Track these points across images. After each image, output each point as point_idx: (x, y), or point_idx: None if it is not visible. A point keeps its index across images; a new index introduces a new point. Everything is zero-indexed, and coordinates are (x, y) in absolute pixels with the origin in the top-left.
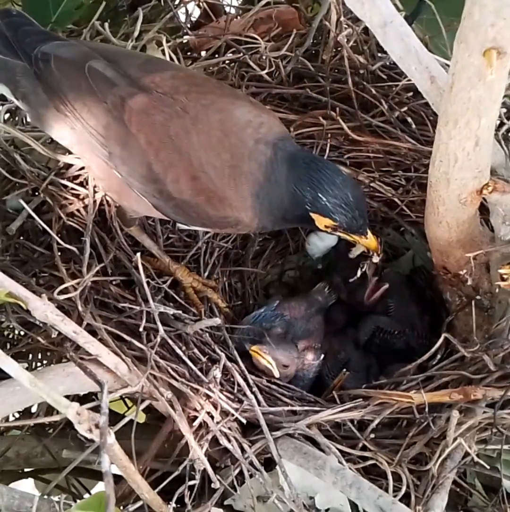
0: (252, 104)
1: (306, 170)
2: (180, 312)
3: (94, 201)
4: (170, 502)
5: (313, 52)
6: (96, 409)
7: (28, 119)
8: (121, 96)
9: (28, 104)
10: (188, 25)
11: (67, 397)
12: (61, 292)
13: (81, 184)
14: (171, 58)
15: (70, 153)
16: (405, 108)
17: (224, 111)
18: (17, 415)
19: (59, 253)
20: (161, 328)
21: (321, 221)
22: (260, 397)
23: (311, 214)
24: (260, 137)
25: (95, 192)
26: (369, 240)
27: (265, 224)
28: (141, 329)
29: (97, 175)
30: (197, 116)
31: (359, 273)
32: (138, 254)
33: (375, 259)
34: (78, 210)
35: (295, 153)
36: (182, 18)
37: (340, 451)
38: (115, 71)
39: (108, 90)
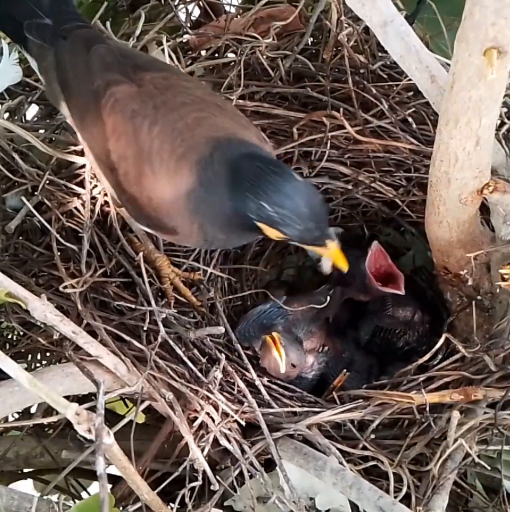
0: (238, 118)
1: (250, 174)
2: (174, 312)
3: (93, 198)
4: (171, 504)
5: (314, 51)
6: (95, 409)
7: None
8: (108, 81)
9: (46, 79)
10: (188, 25)
11: (66, 398)
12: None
13: (80, 183)
14: (171, 58)
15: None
16: (410, 111)
17: (204, 112)
18: (16, 416)
19: (59, 253)
20: (162, 329)
21: (270, 232)
22: (264, 396)
23: (257, 223)
24: (215, 136)
25: (92, 189)
26: (331, 251)
27: (210, 233)
28: (143, 330)
29: (88, 157)
30: (173, 109)
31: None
32: (141, 254)
33: (326, 269)
34: (77, 210)
35: (238, 154)
36: (182, 17)
37: (341, 451)
38: (115, 59)
39: (99, 73)
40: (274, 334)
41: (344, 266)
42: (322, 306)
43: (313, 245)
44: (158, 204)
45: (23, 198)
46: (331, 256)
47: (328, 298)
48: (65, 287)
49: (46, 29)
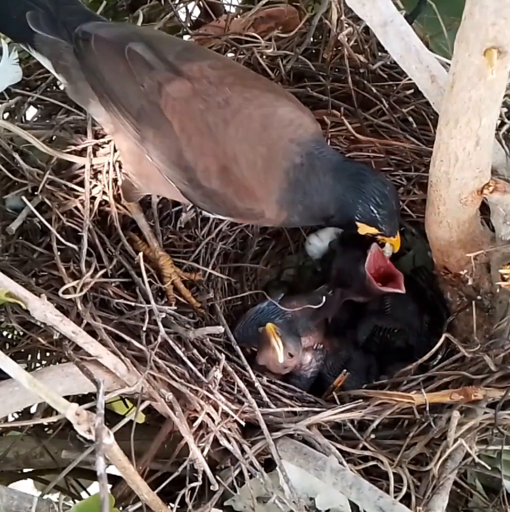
0: (292, 102)
1: (355, 182)
2: (173, 309)
3: (92, 198)
4: (171, 504)
5: (314, 51)
6: (95, 410)
7: (65, 91)
8: (159, 80)
9: (68, 78)
10: (188, 25)
11: (66, 398)
12: (63, 293)
13: (81, 183)
14: None
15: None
16: (409, 109)
17: (267, 106)
18: (16, 416)
19: (59, 253)
20: (162, 329)
21: (365, 229)
22: (263, 397)
23: (358, 223)
24: (295, 138)
25: (92, 189)
26: (396, 239)
27: (294, 220)
28: (143, 330)
29: (127, 158)
30: (240, 109)
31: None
32: (140, 254)
33: (389, 251)
34: (77, 209)
35: (337, 162)
36: (182, 17)
37: (341, 451)
38: (154, 55)
39: (146, 74)
40: (269, 324)
41: (398, 247)
42: (319, 305)
43: (391, 236)
44: (247, 196)
45: (25, 199)
46: (394, 242)
47: (324, 298)
48: (65, 291)
49: (56, 22)
